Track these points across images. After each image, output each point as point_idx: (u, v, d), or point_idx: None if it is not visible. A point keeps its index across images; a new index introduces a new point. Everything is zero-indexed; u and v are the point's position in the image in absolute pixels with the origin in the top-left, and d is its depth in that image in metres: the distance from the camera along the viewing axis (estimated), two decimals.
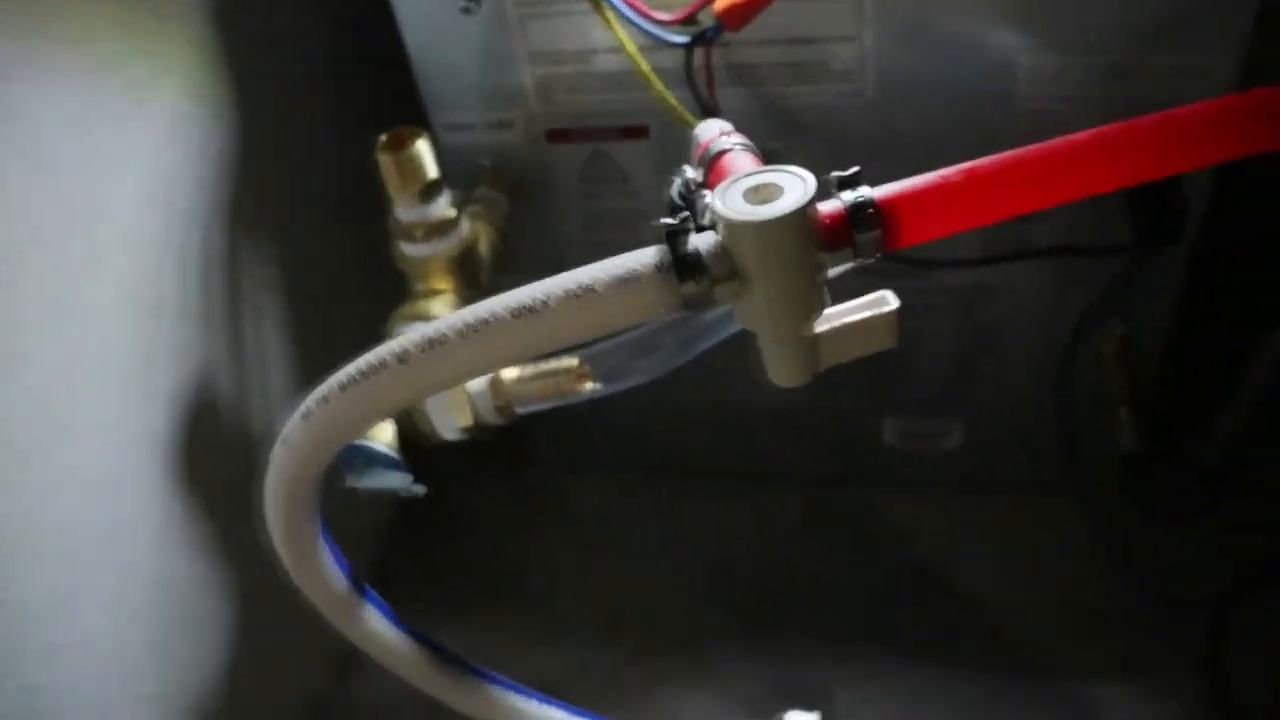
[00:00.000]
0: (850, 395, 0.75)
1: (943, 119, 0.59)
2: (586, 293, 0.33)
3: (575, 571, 0.81)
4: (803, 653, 0.73)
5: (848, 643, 0.73)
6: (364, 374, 0.37)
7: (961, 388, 0.73)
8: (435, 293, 0.58)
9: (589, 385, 0.49)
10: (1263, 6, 0.52)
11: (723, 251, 0.34)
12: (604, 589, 0.80)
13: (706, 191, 0.40)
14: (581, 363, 0.48)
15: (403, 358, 0.35)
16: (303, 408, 0.39)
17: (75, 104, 0.51)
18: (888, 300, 0.37)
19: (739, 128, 0.48)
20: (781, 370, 0.37)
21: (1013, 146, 0.35)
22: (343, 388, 0.37)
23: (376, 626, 0.50)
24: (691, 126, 0.48)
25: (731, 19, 0.52)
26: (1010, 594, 0.74)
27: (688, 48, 0.55)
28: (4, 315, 0.47)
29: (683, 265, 0.33)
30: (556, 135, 0.66)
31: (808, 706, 0.63)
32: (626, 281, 0.33)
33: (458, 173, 0.62)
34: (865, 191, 0.35)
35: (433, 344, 0.35)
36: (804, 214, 0.33)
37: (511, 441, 0.54)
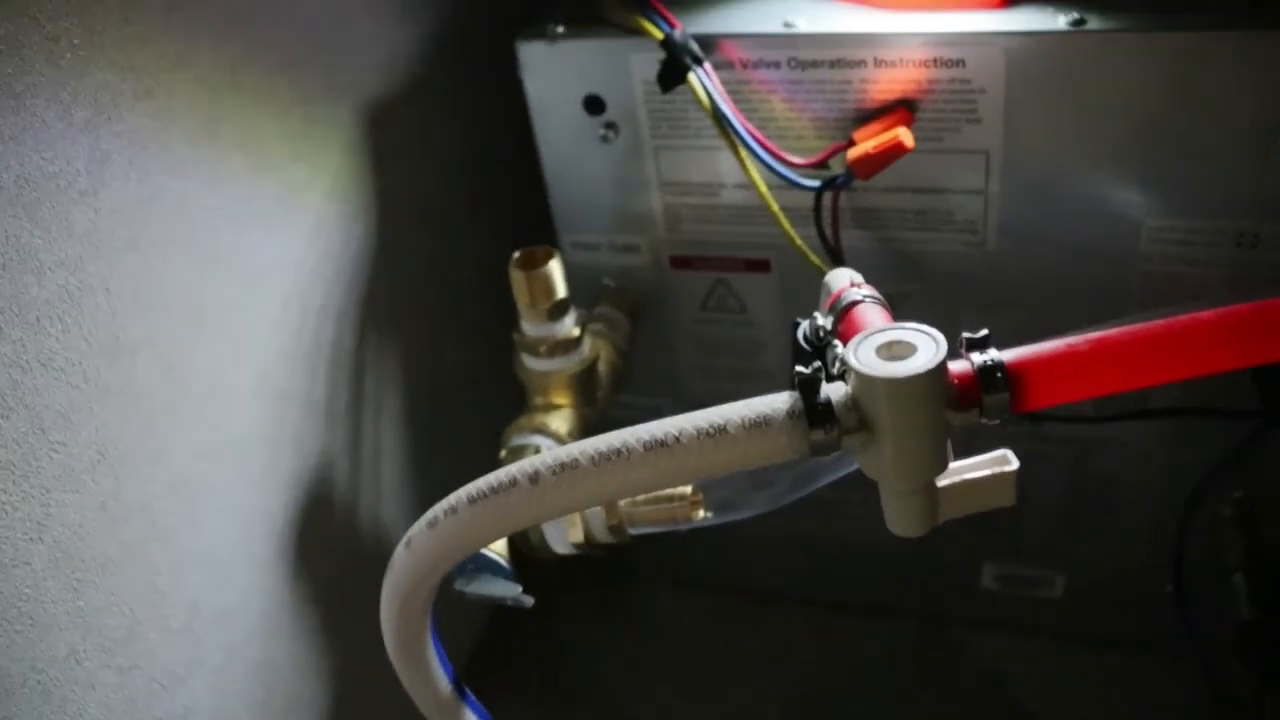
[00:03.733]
0: (951, 537, 0.74)
1: (1062, 274, 0.59)
2: (719, 433, 0.35)
3: (665, 690, 0.81)
4: None
5: None
6: (494, 490, 0.38)
7: (1066, 538, 0.72)
8: (554, 407, 0.60)
9: (702, 514, 0.50)
10: None
11: (853, 403, 0.35)
12: (693, 709, 0.79)
13: (837, 341, 0.41)
14: (696, 491, 0.49)
15: (534, 479, 0.37)
16: (430, 515, 0.41)
17: (238, 202, 0.55)
18: (1009, 460, 0.38)
19: (860, 269, 0.49)
20: (900, 520, 0.38)
21: (1133, 305, 0.35)
22: (472, 501, 0.38)
23: None
24: (820, 270, 0.50)
25: (863, 168, 0.54)
26: None
27: (818, 191, 0.57)
28: (162, 398, 0.50)
29: (814, 414, 0.34)
30: (680, 262, 0.68)
31: None
32: (758, 425, 0.35)
33: (581, 289, 0.64)
34: (995, 355, 0.36)
35: (565, 468, 0.36)
36: (936, 374, 0.34)
37: (612, 552, 0.55)
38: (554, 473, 0.36)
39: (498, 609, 0.85)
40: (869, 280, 0.47)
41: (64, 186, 0.44)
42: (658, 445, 0.35)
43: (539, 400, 0.60)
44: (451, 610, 0.53)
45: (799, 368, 0.35)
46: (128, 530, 0.49)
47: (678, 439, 0.35)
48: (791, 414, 0.34)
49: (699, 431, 0.35)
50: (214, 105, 0.52)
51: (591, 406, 0.61)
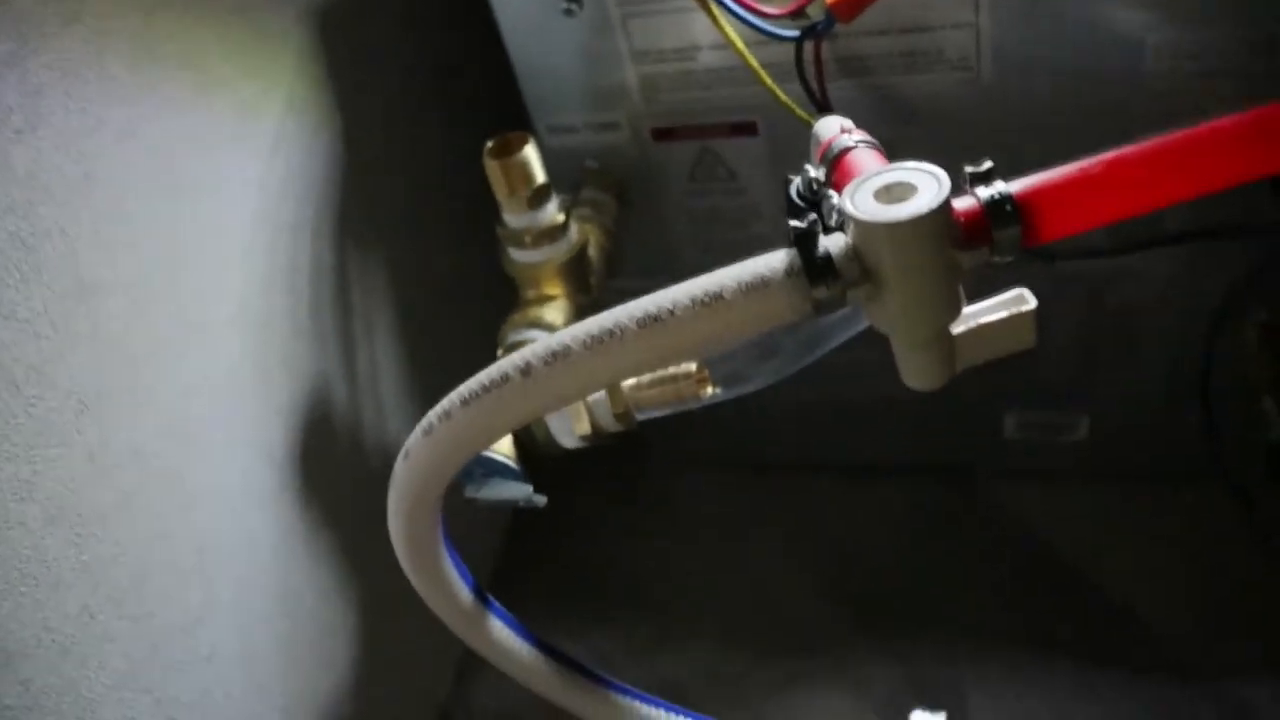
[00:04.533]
0: (970, 386, 0.73)
1: (1063, 102, 0.56)
2: (715, 300, 0.33)
3: (693, 573, 0.80)
4: (932, 649, 0.71)
5: (979, 638, 0.71)
6: (486, 388, 0.36)
7: (1088, 378, 0.70)
8: (547, 299, 0.57)
9: (709, 390, 0.48)
10: None
11: (854, 254, 0.32)
12: (723, 590, 0.79)
13: (832, 191, 0.39)
14: (701, 367, 0.47)
15: (526, 371, 0.35)
16: (424, 423, 0.39)
17: (193, 126, 0.52)
18: (1025, 299, 0.36)
19: (851, 120, 0.46)
20: (916, 374, 0.36)
21: (1142, 129, 0.33)
22: (465, 402, 0.37)
23: (500, 636, 0.50)
24: (807, 123, 0.47)
25: (844, 10, 0.51)
26: (1148, 586, 0.71)
27: (798, 41, 0.54)
28: (140, 338, 0.48)
29: (814, 269, 0.32)
30: (662, 134, 0.65)
31: (932, 707, 0.61)
32: (756, 288, 0.32)
33: (563, 175, 0.61)
34: (1002, 186, 0.33)
35: (556, 356, 0.34)
36: (940, 213, 0.31)
37: (623, 440, 0.54)
38: (546, 362, 0.34)
39: (514, 513, 0.85)
40: (861, 129, 0.44)
41: None
42: (652, 321, 0.33)
43: (531, 293, 0.58)
44: (468, 522, 0.52)
45: (794, 222, 0.32)
46: (122, 478, 0.47)
47: (672, 312, 0.33)
48: (790, 271, 0.32)
49: (694, 301, 0.33)
50: (148, 24, 0.49)
51: (585, 294, 0.59)
